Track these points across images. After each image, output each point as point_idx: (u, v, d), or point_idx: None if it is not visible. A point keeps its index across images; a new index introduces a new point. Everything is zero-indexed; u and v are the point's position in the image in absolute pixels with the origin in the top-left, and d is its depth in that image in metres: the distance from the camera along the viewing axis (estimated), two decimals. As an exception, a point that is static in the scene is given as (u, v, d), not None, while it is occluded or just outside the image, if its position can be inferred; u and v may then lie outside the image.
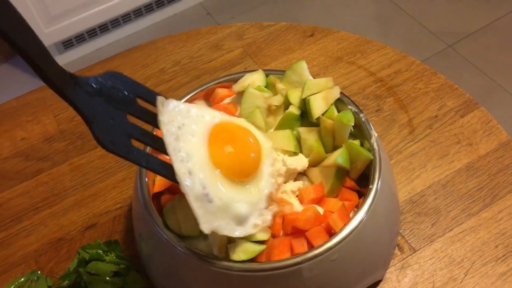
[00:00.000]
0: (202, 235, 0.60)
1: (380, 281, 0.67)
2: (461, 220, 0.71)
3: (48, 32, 1.93)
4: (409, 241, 0.70)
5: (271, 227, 0.59)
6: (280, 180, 0.61)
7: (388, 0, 2.17)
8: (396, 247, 0.70)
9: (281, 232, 0.60)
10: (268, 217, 0.58)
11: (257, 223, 0.57)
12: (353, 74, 0.90)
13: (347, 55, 0.93)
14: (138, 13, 2.12)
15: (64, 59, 2.05)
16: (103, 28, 2.08)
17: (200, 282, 0.60)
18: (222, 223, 0.54)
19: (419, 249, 0.69)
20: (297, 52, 0.94)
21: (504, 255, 0.68)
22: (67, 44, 2.04)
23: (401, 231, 0.71)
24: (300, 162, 0.66)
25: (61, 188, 0.80)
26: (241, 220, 0.55)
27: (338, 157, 0.63)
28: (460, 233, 0.70)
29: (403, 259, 0.69)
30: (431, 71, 0.89)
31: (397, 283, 0.67)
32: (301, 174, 0.67)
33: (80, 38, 2.05)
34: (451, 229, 0.71)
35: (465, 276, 0.67)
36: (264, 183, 0.59)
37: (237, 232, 0.55)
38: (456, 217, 0.72)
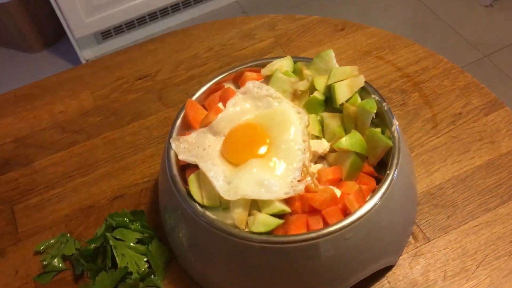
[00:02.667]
0: (223, 206, 0.63)
1: (392, 266, 0.68)
2: (478, 214, 0.72)
3: (89, 22, 1.99)
4: (424, 231, 0.72)
5: (291, 204, 0.62)
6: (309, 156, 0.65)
7: (425, 7, 2.16)
8: (411, 236, 0.71)
9: (299, 210, 0.63)
10: (300, 187, 0.62)
11: (287, 191, 0.61)
12: (381, 69, 0.91)
13: (376, 50, 0.95)
14: (175, 8, 2.17)
15: (102, 49, 2.12)
16: (141, 21, 2.14)
17: (219, 252, 0.63)
18: (248, 190, 0.61)
19: (433, 239, 0.71)
20: (327, 45, 0.97)
21: (518, 251, 0.69)
22: (106, 34, 2.10)
23: (416, 221, 0.72)
24: (322, 146, 0.69)
25: (93, 160, 0.85)
26: (264, 186, 0.61)
27: (344, 139, 0.65)
28: (475, 226, 0.71)
29: (416, 248, 0.70)
30: (459, 70, 0.90)
31: (409, 269, 0.68)
32: (321, 158, 0.70)
33: (118, 30, 2.12)
34: (467, 222, 0.72)
35: (477, 268, 0.68)
36: (291, 159, 0.64)
37: (265, 195, 0.61)
38: (473, 211, 0.73)
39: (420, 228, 0.72)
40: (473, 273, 0.67)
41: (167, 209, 0.71)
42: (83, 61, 2.05)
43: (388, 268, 0.68)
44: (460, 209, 0.73)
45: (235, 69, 0.76)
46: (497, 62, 1.93)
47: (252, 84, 0.72)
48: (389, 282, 0.68)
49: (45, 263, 0.73)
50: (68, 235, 0.75)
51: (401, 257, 0.69)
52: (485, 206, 0.73)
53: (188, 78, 0.95)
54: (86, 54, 2.10)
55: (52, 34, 2.16)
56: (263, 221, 0.60)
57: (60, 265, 0.73)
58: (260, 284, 0.63)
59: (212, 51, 0.99)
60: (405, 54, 0.93)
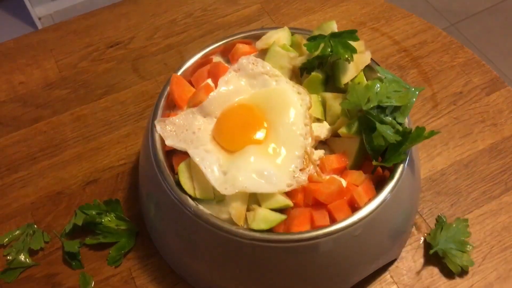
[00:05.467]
0: (217, 199, 0.56)
1: (395, 260, 0.64)
2: (482, 202, 0.69)
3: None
4: (427, 220, 0.67)
5: (292, 197, 0.56)
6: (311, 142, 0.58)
7: (394, -27, 2.12)
8: (413, 226, 0.67)
9: (302, 203, 0.57)
10: (303, 177, 0.55)
11: (290, 183, 0.55)
12: (377, 42, 0.85)
13: (370, 20, 0.88)
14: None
15: (56, 7, 1.94)
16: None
17: (213, 249, 0.57)
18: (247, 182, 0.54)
19: (437, 229, 0.67)
20: (318, 14, 0.89)
21: (524, 242, 0.65)
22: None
23: (419, 210, 0.68)
24: (324, 130, 0.62)
25: (61, 139, 0.75)
26: (264, 177, 0.55)
27: (351, 123, 0.59)
28: (480, 215, 0.68)
29: (419, 239, 0.66)
30: (458, 45, 0.84)
31: (413, 262, 0.64)
32: (321, 143, 0.63)
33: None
34: (471, 211, 0.68)
35: (483, 260, 0.64)
36: (292, 145, 0.58)
37: (266, 187, 0.54)
38: (477, 199, 0.69)
39: (422, 218, 0.68)
40: (479, 266, 0.64)
41: (151, 198, 0.63)
42: (36, 19, 1.87)
43: (391, 262, 0.64)
44: (463, 197, 0.69)
45: (224, 41, 0.68)
46: (463, 31, 1.91)
47: (246, 60, 0.64)
48: (391, 277, 0.63)
49: (9, 258, 0.64)
50: (35, 225, 0.67)
51: (404, 249, 0.65)
52: (489, 193, 0.69)
53: (166, 47, 0.86)
54: (38, 11, 1.92)
55: (1, -12, 1.96)
56: (264, 217, 0.54)
57: (27, 260, 0.65)
58: (260, 282, 0.58)
59: (192, 16, 0.90)
60: (402, 26, 0.87)
